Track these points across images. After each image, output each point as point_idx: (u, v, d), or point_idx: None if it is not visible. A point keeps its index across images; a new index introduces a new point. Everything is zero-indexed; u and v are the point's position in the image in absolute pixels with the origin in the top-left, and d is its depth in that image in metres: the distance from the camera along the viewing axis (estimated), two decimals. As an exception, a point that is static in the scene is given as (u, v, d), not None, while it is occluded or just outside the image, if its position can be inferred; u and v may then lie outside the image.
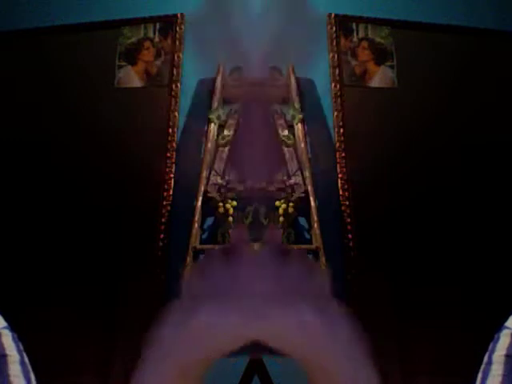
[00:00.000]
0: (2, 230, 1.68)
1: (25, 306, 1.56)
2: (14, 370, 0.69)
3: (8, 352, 0.70)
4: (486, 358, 0.73)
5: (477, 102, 1.81)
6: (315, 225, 1.58)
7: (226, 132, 1.64)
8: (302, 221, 1.66)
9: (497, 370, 0.70)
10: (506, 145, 1.78)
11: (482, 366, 0.73)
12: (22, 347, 0.73)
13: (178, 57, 1.79)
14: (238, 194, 1.57)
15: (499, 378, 0.69)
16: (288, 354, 0.41)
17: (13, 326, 0.78)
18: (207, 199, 1.58)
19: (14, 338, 0.73)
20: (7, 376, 0.68)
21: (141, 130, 1.74)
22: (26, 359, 0.72)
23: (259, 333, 0.40)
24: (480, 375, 0.72)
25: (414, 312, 1.59)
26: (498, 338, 0.73)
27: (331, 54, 1.80)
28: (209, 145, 1.63)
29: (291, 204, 1.57)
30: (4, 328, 0.73)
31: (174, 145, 1.71)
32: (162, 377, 0.42)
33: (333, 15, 1.84)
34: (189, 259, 1.55)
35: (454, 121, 1.78)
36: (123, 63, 1.83)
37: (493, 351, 0.72)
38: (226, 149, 1.63)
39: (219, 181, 1.57)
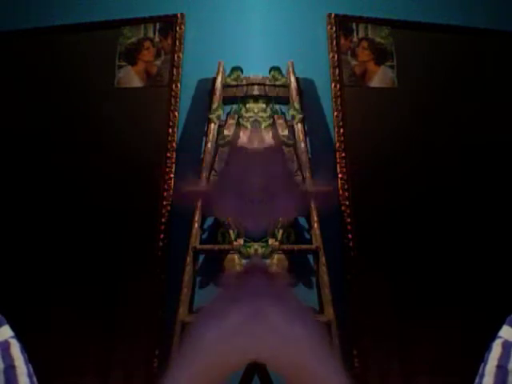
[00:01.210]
0: (2, 230, 1.68)
1: (25, 306, 1.56)
2: (22, 382, 0.70)
3: (16, 363, 0.71)
4: (480, 369, 0.74)
5: (476, 101, 1.81)
6: (315, 225, 1.58)
7: (225, 132, 1.64)
8: (302, 221, 1.66)
9: (488, 381, 0.71)
10: (506, 144, 1.78)
11: (477, 379, 0.73)
12: (27, 359, 0.74)
13: (178, 57, 1.79)
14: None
15: None
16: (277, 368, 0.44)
17: (13, 326, 0.78)
18: (207, 199, 1.58)
19: (21, 350, 0.74)
20: None
21: (141, 130, 1.74)
22: (32, 370, 0.73)
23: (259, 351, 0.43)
24: None
25: (413, 312, 1.59)
26: (491, 349, 0.74)
27: (331, 54, 1.80)
28: (209, 145, 1.63)
29: (291, 204, 1.56)
30: (12, 338, 0.74)
31: (174, 145, 1.71)
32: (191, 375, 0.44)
33: (333, 15, 1.84)
34: (189, 259, 1.55)
35: (453, 120, 1.78)
36: (123, 63, 1.83)
37: (486, 363, 0.73)
38: (226, 149, 1.63)
39: (219, 181, 1.57)
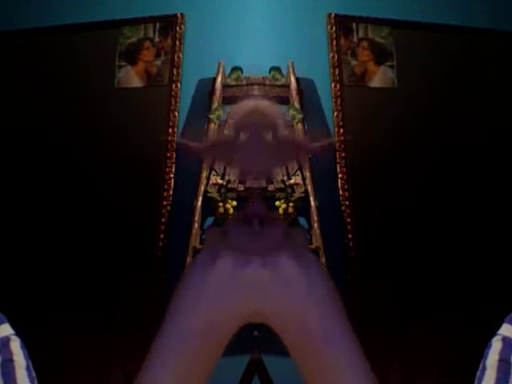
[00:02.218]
0: (2, 230, 1.68)
1: (25, 306, 1.56)
2: (21, 374, 0.70)
3: (15, 358, 0.71)
4: (480, 365, 0.74)
5: (476, 101, 1.81)
6: (315, 225, 1.58)
7: (225, 132, 1.64)
8: (302, 221, 1.66)
9: (491, 374, 0.71)
10: (506, 144, 1.78)
11: (477, 373, 0.73)
12: (27, 354, 0.74)
13: (178, 57, 1.79)
14: (238, 193, 1.57)
15: (493, 382, 0.70)
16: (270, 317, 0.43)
17: (13, 326, 0.78)
18: (207, 199, 1.58)
19: (21, 345, 0.74)
20: (14, 380, 0.69)
21: (141, 130, 1.74)
22: (31, 366, 0.73)
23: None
24: (476, 382, 0.73)
25: (413, 312, 1.59)
26: (491, 345, 0.74)
27: (331, 54, 1.80)
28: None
29: (291, 204, 1.57)
30: (13, 335, 0.74)
31: (174, 145, 1.71)
32: (186, 335, 0.43)
33: (333, 15, 1.84)
34: (189, 259, 1.55)
35: (453, 120, 1.78)
36: (123, 63, 1.83)
37: (486, 357, 0.73)
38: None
39: (219, 181, 1.57)
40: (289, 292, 0.42)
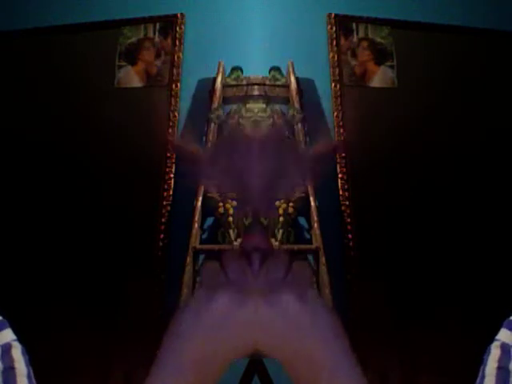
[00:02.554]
0: (2, 229, 1.68)
1: (25, 305, 1.56)
2: (22, 382, 0.70)
3: (16, 365, 0.71)
4: (479, 372, 0.74)
5: (477, 101, 1.81)
6: (315, 225, 1.58)
7: (226, 132, 1.64)
8: (302, 221, 1.66)
9: (490, 382, 0.71)
10: (506, 144, 1.78)
11: (477, 380, 0.73)
12: (28, 360, 0.74)
13: (178, 57, 1.79)
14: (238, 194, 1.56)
15: None
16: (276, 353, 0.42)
17: (13, 326, 0.78)
18: (207, 199, 1.58)
19: (22, 352, 0.74)
20: None
21: (141, 130, 1.74)
22: (32, 373, 0.73)
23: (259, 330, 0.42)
24: None
25: (414, 312, 1.59)
26: (489, 352, 0.74)
27: (331, 54, 1.80)
28: (209, 145, 1.63)
29: (291, 204, 1.57)
30: (14, 341, 0.74)
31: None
32: (179, 371, 0.42)
33: (333, 15, 1.84)
34: (189, 259, 1.55)
35: (453, 120, 1.78)
36: (123, 63, 1.83)
37: (485, 365, 0.73)
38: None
39: (219, 181, 1.57)
40: (293, 330, 0.41)
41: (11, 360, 0.71)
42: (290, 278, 0.44)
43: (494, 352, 0.73)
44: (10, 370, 0.70)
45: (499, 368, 0.71)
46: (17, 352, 0.73)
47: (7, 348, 0.72)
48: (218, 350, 0.41)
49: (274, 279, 0.43)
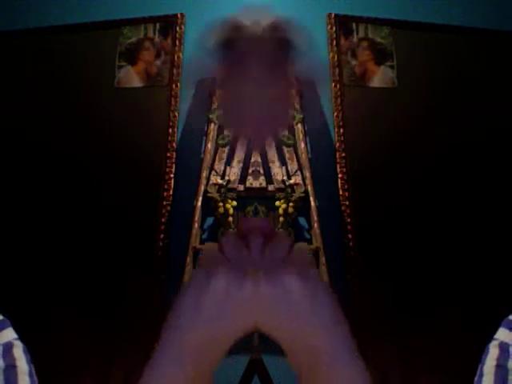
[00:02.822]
0: (3, 229, 1.68)
1: (25, 305, 1.56)
2: (23, 380, 0.70)
3: (18, 363, 0.71)
4: (478, 371, 0.74)
5: (477, 101, 1.81)
6: (315, 225, 1.58)
7: (225, 132, 1.64)
8: (302, 221, 1.66)
9: (488, 380, 0.71)
10: (506, 144, 1.78)
11: (475, 379, 0.73)
12: (30, 359, 0.74)
13: (178, 57, 1.79)
14: (238, 194, 1.57)
15: None
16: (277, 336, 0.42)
17: (13, 326, 0.78)
18: (207, 199, 1.58)
19: (24, 350, 0.74)
20: None
21: (141, 130, 1.74)
22: (34, 371, 0.74)
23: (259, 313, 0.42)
24: None
25: (414, 312, 1.59)
26: (488, 350, 0.74)
27: (331, 54, 1.80)
28: (209, 145, 1.63)
29: (291, 204, 1.57)
30: (16, 339, 0.75)
31: (174, 145, 1.71)
32: (178, 361, 0.42)
33: (333, 15, 1.84)
34: (189, 259, 1.55)
35: (453, 120, 1.78)
36: (123, 63, 1.83)
37: (484, 363, 0.73)
38: (226, 149, 1.63)
39: (219, 181, 1.57)
40: (293, 312, 0.41)
41: (13, 358, 0.71)
42: (292, 258, 0.44)
43: (493, 351, 0.73)
44: (11, 368, 0.70)
45: (498, 366, 0.71)
46: (18, 350, 0.73)
47: (9, 347, 0.73)
48: (218, 334, 0.41)
49: (275, 259, 0.43)
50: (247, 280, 0.42)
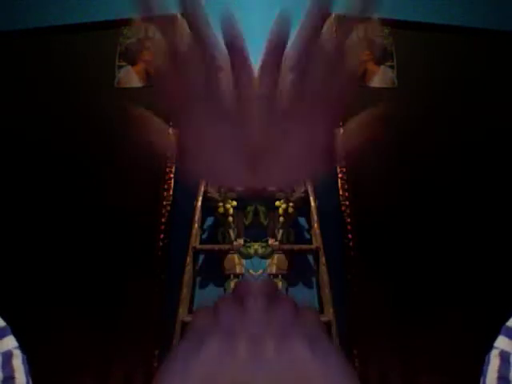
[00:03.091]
0: (2, 229, 1.68)
1: (25, 305, 1.56)
2: None
3: (16, 375, 0.71)
4: (480, 382, 0.73)
5: (477, 101, 1.81)
6: (315, 225, 1.58)
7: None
8: (302, 221, 1.66)
9: None
10: (506, 145, 1.78)
11: None
12: (28, 370, 0.74)
13: (178, 57, 1.79)
14: (238, 194, 1.57)
15: None
16: None
17: (13, 326, 0.78)
18: (207, 199, 1.58)
19: (23, 361, 0.74)
20: None
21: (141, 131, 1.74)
22: (31, 382, 0.74)
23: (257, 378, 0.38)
24: None
25: (414, 312, 1.59)
26: (489, 361, 0.73)
27: (331, 54, 1.80)
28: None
29: (291, 204, 1.57)
30: (15, 348, 0.75)
31: (174, 145, 1.70)
32: None
33: (333, 15, 1.83)
34: (189, 259, 1.55)
35: (453, 120, 1.78)
36: (123, 63, 1.83)
37: (485, 375, 0.72)
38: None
39: (219, 181, 1.57)
40: (302, 381, 0.37)
41: (12, 370, 0.71)
42: (299, 324, 0.40)
43: (494, 362, 0.72)
44: (9, 379, 0.70)
45: (499, 378, 0.70)
46: (17, 361, 0.73)
47: (8, 356, 0.72)
48: None
49: (280, 326, 0.39)
50: (245, 348, 0.38)
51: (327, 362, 0.38)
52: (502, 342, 0.74)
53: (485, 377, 0.72)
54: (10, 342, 0.75)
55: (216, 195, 1.56)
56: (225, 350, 0.37)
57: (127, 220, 1.65)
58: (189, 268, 1.54)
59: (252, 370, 0.36)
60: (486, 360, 0.73)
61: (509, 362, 0.71)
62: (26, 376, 0.72)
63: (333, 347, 0.39)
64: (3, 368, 0.71)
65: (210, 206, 1.59)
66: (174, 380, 0.38)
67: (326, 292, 1.52)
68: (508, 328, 0.75)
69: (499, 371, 0.71)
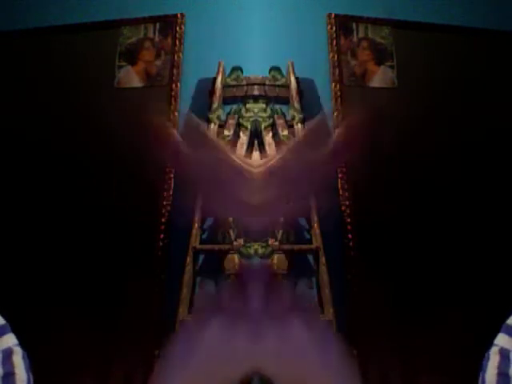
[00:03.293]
0: (3, 230, 1.68)
1: (25, 305, 1.56)
2: None
3: (17, 371, 0.72)
4: (479, 379, 0.73)
5: (477, 101, 1.81)
6: (315, 225, 1.58)
7: (226, 132, 1.64)
8: (302, 221, 1.66)
9: None
10: (506, 145, 1.78)
11: None
12: (29, 366, 0.74)
13: (178, 57, 1.79)
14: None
15: None
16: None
17: (14, 326, 0.78)
18: (207, 199, 1.58)
19: (23, 357, 0.74)
20: None
21: (141, 130, 1.74)
22: (32, 378, 0.74)
23: (259, 359, 0.38)
24: None
25: (414, 312, 1.59)
26: (489, 357, 0.74)
27: (331, 54, 1.80)
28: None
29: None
30: (16, 345, 0.75)
31: (174, 145, 1.71)
32: None
33: (333, 15, 1.84)
34: (189, 259, 1.55)
35: (453, 120, 1.78)
36: (123, 63, 1.83)
37: (485, 371, 0.73)
38: (226, 149, 1.63)
39: (219, 181, 1.57)
40: (298, 359, 0.38)
41: (12, 366, 0.72)
42: (297, 305, 0.40)
43: (494, 358, 0.73)
44: (10, 375, 0.71)
45: (499, 374, 0.71)
46: (17, 358, 0.73)
47: (8, 353, 0.73)
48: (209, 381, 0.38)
49: (278, 308, 0.40)
50: (246, 328, 0.38)
51: (324, 350, 0.39)
52: (501, 340, 0.75)
53: (484, 372, 0.72)
54: (10, 340, 0.75)
55: (216, 195, 1.56)
56: (226, 336, 0.38)
57: (127, 220, 1.65)
58: (189, 268, 1.54)
59: (252, 356, 0.38)
60: (486, 356, 0.74)
61: (508, 359, 0.72)
62: (27, 372, 0.73)
63: (330, 332, 0.40)
64: (3, 364, 0.71)
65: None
66: (175, 363, 0.39)
67: (326, 292, 1.52)
68: (508, 326, 0.76)
69: (499, 367, 0.71)
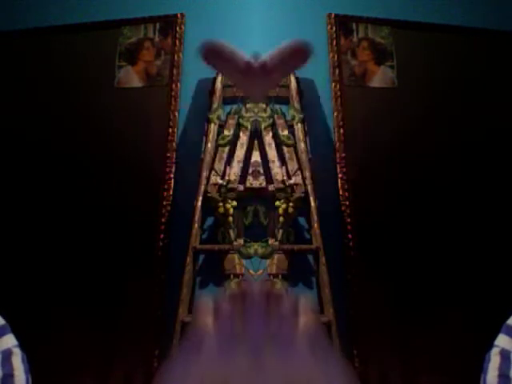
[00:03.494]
0: (2, 230, 1.68)
1: (26, 305, 1.56)
2: None
3: (16, 373, 0.72)
4: (480, 381, 0.73)
5: (476, 101, 1.81)
6: (315, 225, 1.58)
7: (226, 132, 1.64)
8: (302, 221, 1.65)
9: None
10: (506, 145, 1.78)
11: None
12: (28, 368, 0.74)
13: (178, 57, 1.79)
14: (238, 194, 1.57)
15: None
16: None
17: (14, 326, 0.78)
18: (207, 199, 1.58)
19: (23, 359, 0.74)
20: None
21: (141, 130, 1.74)
22: (30, 380, 0.74)
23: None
24: None
25: (414, 312, 1.59)
26: (489, 359, 0.73)
27: (331, 54, 1.80)
28: (209, 145, 1.63)
29: (291, 204, 1.56)
30: (15, 347, 0.75)
31: (174, 145, 1.71)
32: None
33: (333, 15, 1.83)
34: (189, 259, 1.55)
35: (453, 120, 1.78)
36: (123, 63, 1.82)
37: (486, 373, 0.73)
38: (226, 149, 1.63)
39: (219, 181, 1.57)
40: None
41: (11, 367, 0.72)
42: (300, 326, 0.39)
43: (494, 359, 0.72)
44: (9, 377, 0.70)
45: (500, 376, 0.71)
46: (17, 359, 0.73)
47: (7, 354, 0.73)
48: None
49: (280, 329, 0.39)
50: (244, 351, 0.37)
51: (327, 364, 0.37)
52: (502, 340, 0.74)
53: (485, 374, 0.72)
54: (10, 341, 0.75)
55: (216, 195, 1.56)
56: (224, 354, 0.37)
57: (127, 220, 1.66)
58: (189, 268, 1.54)
59: (251, 375, 0.36)
60: (487, 358, 0.74)
61: (509, 360, 0.71)
62: (26, 374, 0.73)
63: (332, 348, 0.38)
64: (3, 366, 0.71)
65: (209, 206, 1.59)
66: (173, 381, 0.37)
67: (326, 292, 1.52)
68: (508, 326, 0.76)
69: (500, 369, 0.71)
